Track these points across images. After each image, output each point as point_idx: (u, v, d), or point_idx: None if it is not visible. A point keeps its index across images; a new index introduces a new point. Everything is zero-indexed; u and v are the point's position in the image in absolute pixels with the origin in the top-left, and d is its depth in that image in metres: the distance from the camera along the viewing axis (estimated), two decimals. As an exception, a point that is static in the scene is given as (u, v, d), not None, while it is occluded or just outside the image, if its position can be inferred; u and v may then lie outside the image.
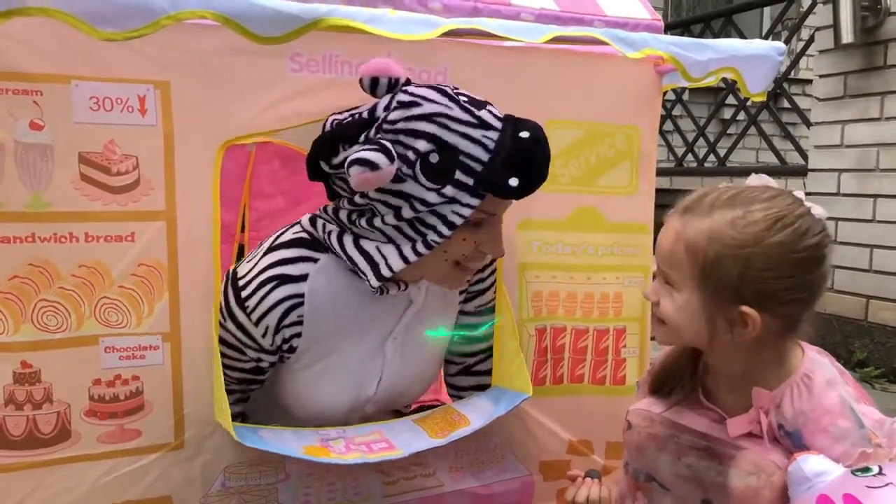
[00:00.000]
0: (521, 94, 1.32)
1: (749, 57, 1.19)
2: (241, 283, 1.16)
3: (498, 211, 1.12)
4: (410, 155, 1.04)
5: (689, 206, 0.98)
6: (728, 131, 4.09)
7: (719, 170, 3.94)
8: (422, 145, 1.04)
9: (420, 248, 1.09)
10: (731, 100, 4.11)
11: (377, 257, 1.11)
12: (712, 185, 1.01)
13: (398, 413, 1.37)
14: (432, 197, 1.06)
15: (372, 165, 1.00)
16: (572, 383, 1.44)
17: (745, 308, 0.93)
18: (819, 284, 0.97)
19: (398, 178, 1.05)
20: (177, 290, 1.10)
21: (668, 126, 4.41)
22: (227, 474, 1.16)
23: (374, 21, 0.92)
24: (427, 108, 1.06)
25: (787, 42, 3.86)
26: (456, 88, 1.11)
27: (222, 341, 1.15)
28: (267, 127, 1.13)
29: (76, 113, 1.04)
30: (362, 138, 1.07)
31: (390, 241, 1.11)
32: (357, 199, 1.10)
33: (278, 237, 1.21)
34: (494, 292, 1.38)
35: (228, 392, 1.11)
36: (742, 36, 3.75)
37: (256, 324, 1.14)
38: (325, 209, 1.19)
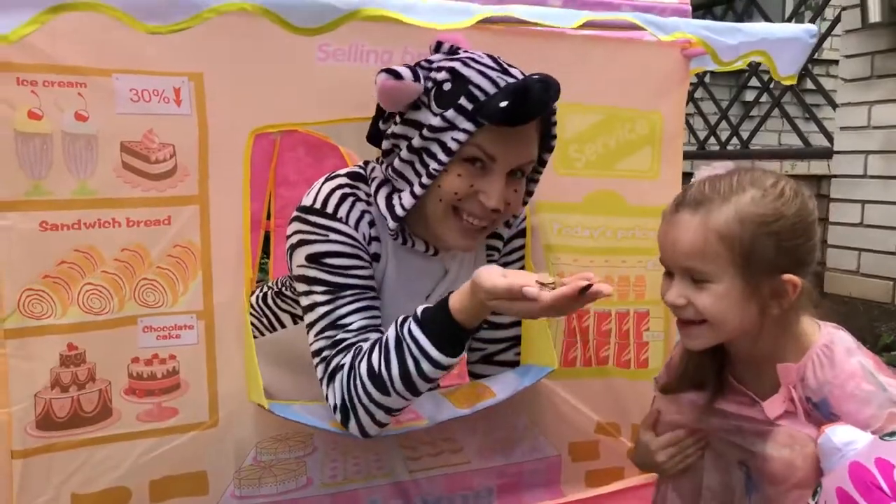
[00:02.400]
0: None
1: (780, 40, 1.19)
2: (318, 205, 1.16)
3: (498, 155, 1.10)
4: (429, 84, 1.10)
5: (697, 199, 1.00)
6: (751, 114, 4.05)
7: (743, 152, 3.90)
8: (441, 75, 1.10)
9: (425, 180, 1.10)
10: (754, 82, 4.06)
11: (395, 199, 1.15)
12: (701, 179, 1.05)
13: None
14: (436, 121, 1.08)
15: (396, 75, 1.06)
16: (599, 365, 1.46)
17: (786, 276, 0.97)
18: (817, 244, 1.04)
19: (416, 106, 1.11)
20: (209, 269, 1.14)
21: (690, 109, 4.37)
22: (258, 449, 1.20)
23: (408, 10, 0.94)
24: (461, 54, 1.13)
25: (811, 22, 3.81)
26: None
27: (332, 255, 1.14)
28: (295, 115, 1.16)
29: (118, 104, 1.08)
30: None
31: (406, 181, 1.14)
32: (389, 133, 1.14)
33: (334, 173, 1.23)
34: None
35: (371, 326, 1.13)
36: (765, 17, 3.71)
37: (356, 228, 1.16)
38: (376, 160, 1.23)
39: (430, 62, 1.13)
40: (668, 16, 1.44)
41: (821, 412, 0.98)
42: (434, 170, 1.10)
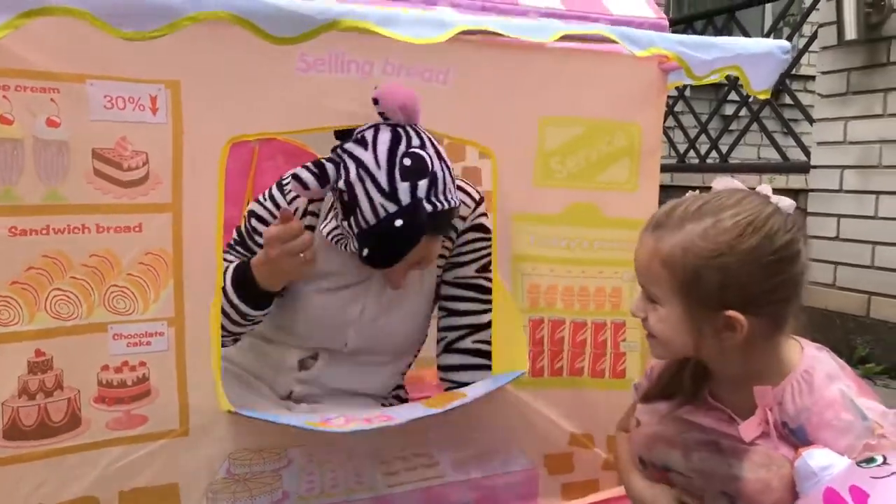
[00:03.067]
0: (522, 92, 1.34)
1: (753, 55, 1.21)
2: (283, 179, 1.38)
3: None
4: (340, 183, 1.23)
5: (659, 221, 0.99)
6: (730, 127, 4.10)
7: (721, 166, 3.94)
8: (342, 182, 1.22)
9: (334, 241, 1.31)
10: (733, 96, 4.11)
11: (327, 218, 1.33)
12: (681, 197, 1.02)
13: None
14: (340, 218, 1.26)
15: (302, 183, 1.22)
16: (572, 376, 1.46)
17: (731, 312, 0.94)
18: (798, 280, 0.98)
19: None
20: (181, 277, 1.14)
21: (671, 122, 4.41)
22: (231, 461, 1.19)
23: (387, 23, 0.94)
24: (364, 155, 1.21)
25: (789, 38, 3.86)
26: (421, 139, 1.23)
27: (257, 218, 1.37)
28: (274, 125, 1.16)
29: (91, 111, 1.07)
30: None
31: (335, 221, 1.31)
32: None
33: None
34: (477, 271, 1.44)
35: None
36: (744, 32, 3.76)
37: (289, 203, 1.35)
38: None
39: (344, 150, 1.24)
40: (646, 30, 1.47)
41: (797, 438, 0.97)
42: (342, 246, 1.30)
